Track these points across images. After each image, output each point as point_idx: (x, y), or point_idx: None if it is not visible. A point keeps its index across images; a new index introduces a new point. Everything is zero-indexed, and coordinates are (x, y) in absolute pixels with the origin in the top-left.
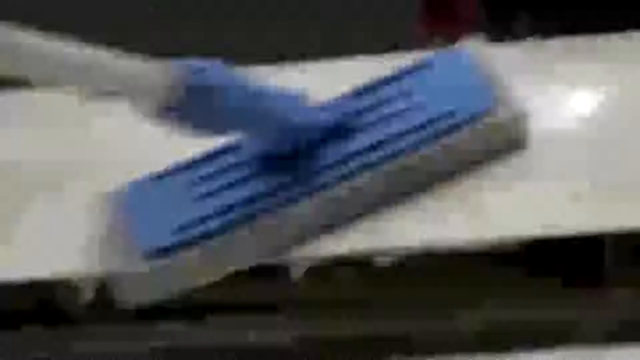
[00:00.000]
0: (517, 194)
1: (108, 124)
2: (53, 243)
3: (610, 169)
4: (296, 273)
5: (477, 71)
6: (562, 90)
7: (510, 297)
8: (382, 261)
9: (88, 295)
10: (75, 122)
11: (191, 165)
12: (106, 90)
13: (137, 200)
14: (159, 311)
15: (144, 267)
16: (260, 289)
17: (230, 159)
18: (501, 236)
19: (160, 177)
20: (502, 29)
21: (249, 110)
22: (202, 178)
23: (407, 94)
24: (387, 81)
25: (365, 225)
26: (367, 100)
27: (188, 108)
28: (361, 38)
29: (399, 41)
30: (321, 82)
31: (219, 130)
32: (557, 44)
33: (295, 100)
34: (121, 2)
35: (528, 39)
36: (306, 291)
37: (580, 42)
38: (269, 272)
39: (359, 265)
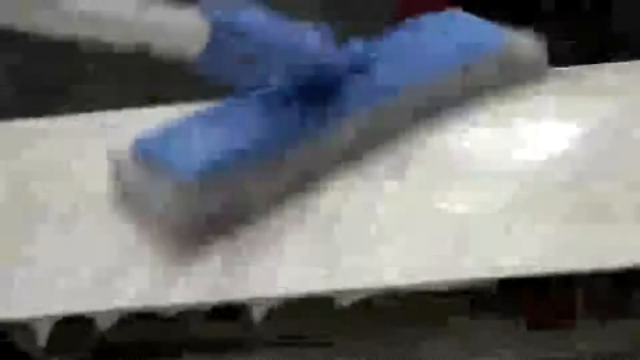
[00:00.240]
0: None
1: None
2: None
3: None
4: (257, 313)
5: (476, 20)
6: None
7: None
8: (344, 301)
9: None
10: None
11: (203, 114)
12: (136, 43)
13: (153, 146)
14: (117, 352)
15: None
16: (221, 328)
17: (250, 102)
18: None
19: (169, 128)
20: None
21: (280, 48)
22: (221, 117)
23: (421, 37)
24: (391, 34)
25: (327, 264)
26: (379, 46)
27: (221, 51)
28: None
29: None
30: None
31: (250, 72)
32: None
33: (320, 36)
34: None
35: None
36: (268, 331)
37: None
38: (229, 312)
39: (321, 304)
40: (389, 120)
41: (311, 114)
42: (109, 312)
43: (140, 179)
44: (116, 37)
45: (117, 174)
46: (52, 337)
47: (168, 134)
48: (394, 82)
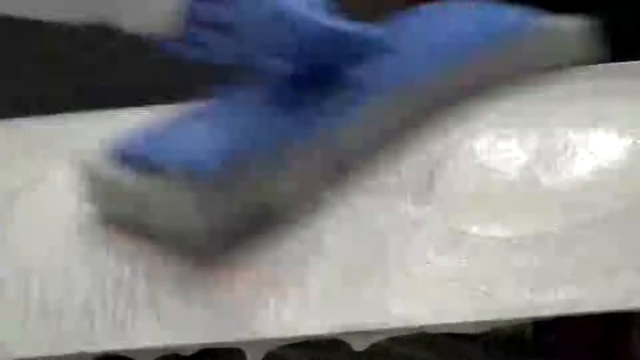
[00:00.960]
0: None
1: None
2: None
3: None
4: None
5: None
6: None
7: None
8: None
9: None
10: None
11: (200, 112)
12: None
13: (143, 148)
14: None
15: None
16: None
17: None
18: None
19: (154, 129)
20: None
21: (270, 24)
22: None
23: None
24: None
25: (339, 300)
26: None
27: (200, 23)
28: None
29: None
30: None
31: (232, 48)
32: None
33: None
34: None
35: None
36: None
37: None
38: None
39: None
40: (411, 111)
41: (314, 105)
42: None
43: (134, 185)
44: (82, 14)
45: (93, 180)
46: None
47: (156, 136)
48: (419, 64)
